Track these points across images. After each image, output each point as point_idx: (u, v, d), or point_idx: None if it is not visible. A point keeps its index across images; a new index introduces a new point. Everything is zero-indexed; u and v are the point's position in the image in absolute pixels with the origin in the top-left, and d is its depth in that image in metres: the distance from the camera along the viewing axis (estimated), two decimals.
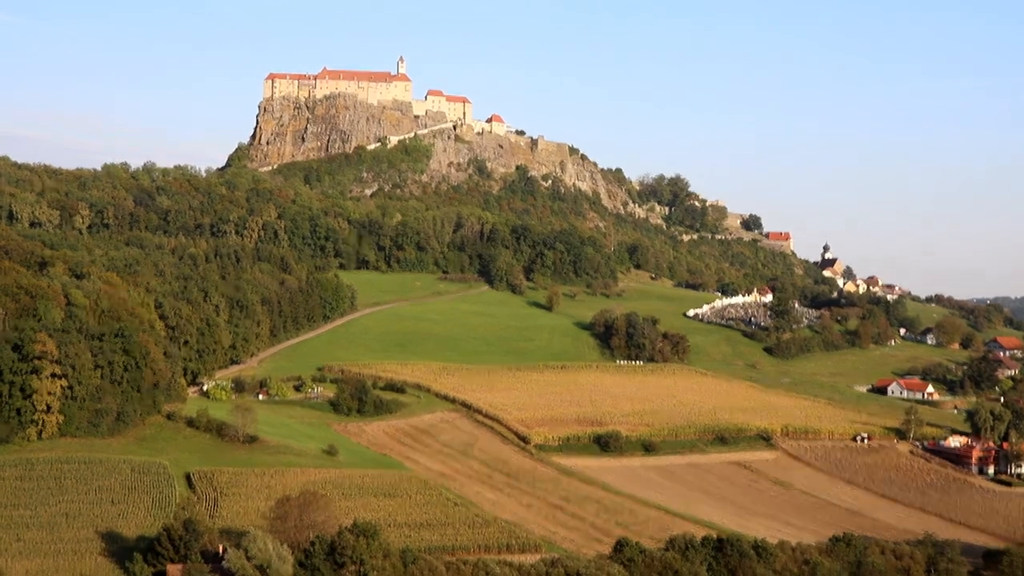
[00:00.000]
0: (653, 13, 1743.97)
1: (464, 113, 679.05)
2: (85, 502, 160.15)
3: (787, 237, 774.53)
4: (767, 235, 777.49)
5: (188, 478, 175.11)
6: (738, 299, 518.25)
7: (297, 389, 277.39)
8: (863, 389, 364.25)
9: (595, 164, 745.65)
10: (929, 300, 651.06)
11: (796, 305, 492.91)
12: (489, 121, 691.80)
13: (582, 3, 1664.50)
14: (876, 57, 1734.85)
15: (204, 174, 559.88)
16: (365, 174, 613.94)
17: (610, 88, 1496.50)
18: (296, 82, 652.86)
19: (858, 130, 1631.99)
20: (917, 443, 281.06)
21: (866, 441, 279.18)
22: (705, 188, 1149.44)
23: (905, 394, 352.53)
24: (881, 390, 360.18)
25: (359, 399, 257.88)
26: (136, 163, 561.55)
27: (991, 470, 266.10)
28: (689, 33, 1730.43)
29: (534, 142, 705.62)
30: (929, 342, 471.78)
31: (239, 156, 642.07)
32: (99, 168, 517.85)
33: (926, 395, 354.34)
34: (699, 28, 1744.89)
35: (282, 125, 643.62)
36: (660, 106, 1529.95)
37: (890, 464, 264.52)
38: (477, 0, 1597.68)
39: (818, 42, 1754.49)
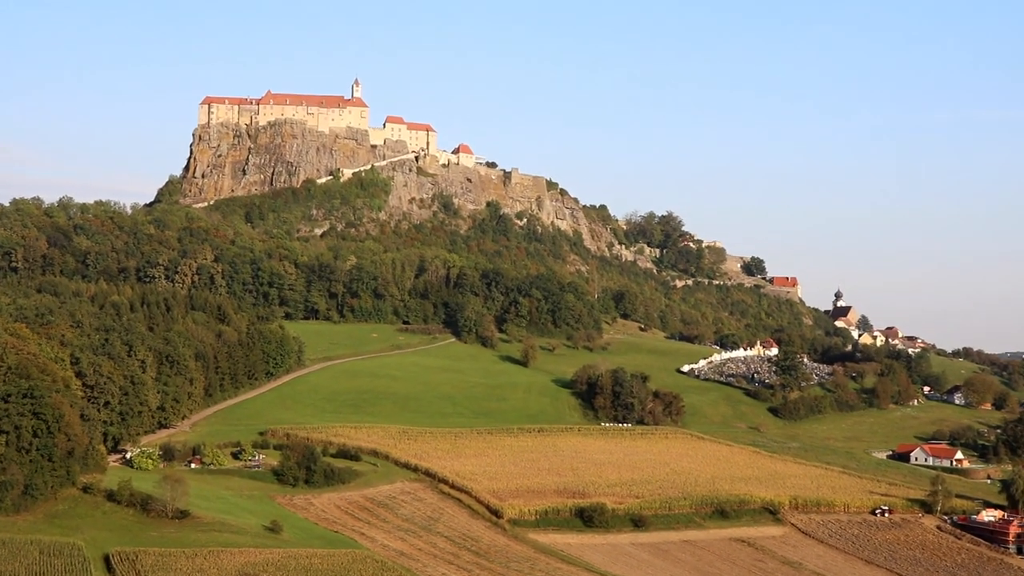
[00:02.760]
0: (637, 31, 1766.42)
1: (427, 143, 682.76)
2: None
3: (794, 283, 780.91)
4: (771, 280, 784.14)
5: (107, 560, 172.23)
6: (739, 353, 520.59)
7: (235, 457, 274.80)
8: (882, 455, 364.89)
9: (576, 200, 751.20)
10: (957, 354, 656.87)
11: (805, 360, 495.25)
12: (456, 152, 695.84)
13: (559, 22, 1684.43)
14: (894, 82, 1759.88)
15: (129, 211, 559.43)
16: (315, 211, 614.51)
17: (592, 115, 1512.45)
18: (236, 107, 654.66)
19: (874, 162, 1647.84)
20: (945, 517, 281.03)
21: (887, 515, 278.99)
22: (701, 227, 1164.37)
23: (930, 461, 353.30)
24: (903, 456, 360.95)
25: (307, 468, 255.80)
26: (50, 198, 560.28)
27: None
28: (679, 53, 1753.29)
29: (507, 175, 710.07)
30: (957, 402, 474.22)
31: (170, 190, 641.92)
32: (7, 203, 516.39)
33: (954, 462, 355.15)
34: (690, 48, 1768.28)
35: (220, 155, 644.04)
36: (648, 135, 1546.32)
37: (915, 541, 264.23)
38: (440, 17, 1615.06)
39: (827, 65, 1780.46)
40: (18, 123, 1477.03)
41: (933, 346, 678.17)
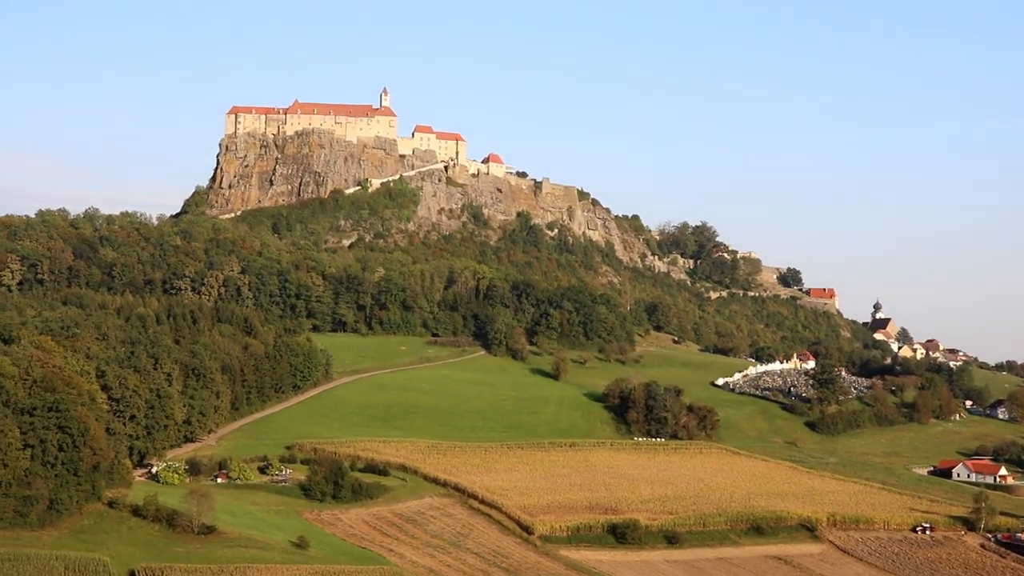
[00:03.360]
0: (671, 41, 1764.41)
1: (457, 152, 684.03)
2: None
3: (831, 294, 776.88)
4: (808, 292, 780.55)
5: None
6: (775, 366, 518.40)
7: (262, 471, 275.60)
8: (923, 471, 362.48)
9: (608, 211, 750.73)
10: (1000, 368, 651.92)
11: (843, 373, 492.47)
12: (486, 161, 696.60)
13: (590, 31, 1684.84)
14: (934, 86, 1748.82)
15: (155, 222, 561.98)
16: (343, 222, 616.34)
17: (624, 124, 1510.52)
18: (263, 116, 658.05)
19: (913, 169, 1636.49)
20: (989, 535, 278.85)
21: (928, 532, 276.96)
22: (735, 238, 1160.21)
23: (973, 477, 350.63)
24: (945, 472, 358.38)
25: (335, 483, 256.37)
26: (76, 209, 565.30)
27: None
28: (712, 62, 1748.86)
29: (538, 185, 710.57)
30: (1000, 417, 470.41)
31: (196, 201, 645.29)
32: (32, 215, 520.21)
33: (998, 479, 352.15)
34: (724, 57, 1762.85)
35: (247, 166, 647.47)
36: (682, 145, 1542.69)
37: (957, 559, 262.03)
38: (470, 25, 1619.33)
39: (859, 71, 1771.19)
40: (43, 134, 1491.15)
41: (975, 359, 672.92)
